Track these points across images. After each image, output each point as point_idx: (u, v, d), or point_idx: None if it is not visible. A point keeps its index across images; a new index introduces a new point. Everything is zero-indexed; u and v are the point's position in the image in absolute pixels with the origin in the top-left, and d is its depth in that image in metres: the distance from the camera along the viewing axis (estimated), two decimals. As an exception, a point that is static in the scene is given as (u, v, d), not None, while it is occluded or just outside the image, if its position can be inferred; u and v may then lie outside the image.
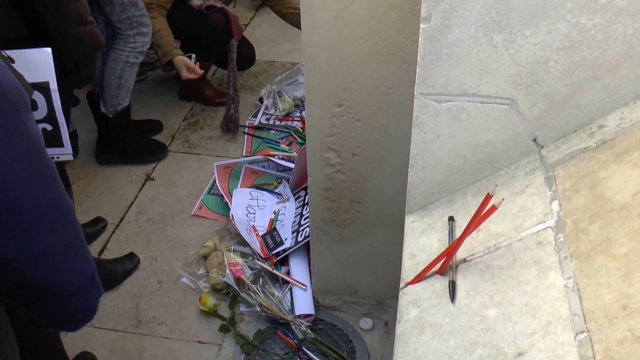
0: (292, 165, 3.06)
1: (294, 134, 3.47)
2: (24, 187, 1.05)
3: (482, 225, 1.06)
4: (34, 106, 1.91)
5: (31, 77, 1.78)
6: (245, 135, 3.55)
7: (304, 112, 3.50)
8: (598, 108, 1.10)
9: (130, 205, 3.09)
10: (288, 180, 3.05)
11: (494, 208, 0.99)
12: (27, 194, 1.06)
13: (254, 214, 2.91)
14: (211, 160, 3.35)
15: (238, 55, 3.62)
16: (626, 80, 1.06)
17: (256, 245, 2.73)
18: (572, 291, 0.90)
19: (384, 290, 2.45)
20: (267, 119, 3.63)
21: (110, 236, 2.92)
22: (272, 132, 3.55)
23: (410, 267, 1.20)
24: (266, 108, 3.71)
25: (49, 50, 1.89)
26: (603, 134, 1.07)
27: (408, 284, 1.17)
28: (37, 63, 1.87)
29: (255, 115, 3.68)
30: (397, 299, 1.19)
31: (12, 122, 1.02)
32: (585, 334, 0.84)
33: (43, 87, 1.89)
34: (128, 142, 3.36)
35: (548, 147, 1.15)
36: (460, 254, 1.12)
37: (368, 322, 2.48)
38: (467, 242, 1.09)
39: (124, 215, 3.03)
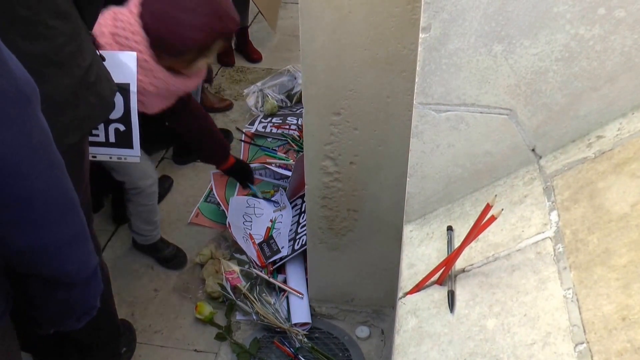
0: (289, 173, 3.06)
1: (291, 142, 3.46)
2: (39, 178, 1.07)
3: (480, 235, 1.06)
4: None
5: (113, 77, 1.84)
6: (242, 143, 3.55)
7: (300, 120, 3.51)
8: (596, 119, 1.10)
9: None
10: (285, 189, 3.05)
11: (493, 218, 0.99)
12: (41, 185, 1.08)
13: (251, 222, 2.91)
14: (208, 168, 3.34)
15: None
16: (624, 91, 1.06)
17: (253, 253, 2.72)
18: (572, 302, 0.90)
19: (381, 298, 2.45)
20: (264, 127, 3.63)
21: (107, 243, 2.92)
22: (269, 139, 3.55)
23: (408, 276, 1.20)
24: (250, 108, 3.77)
25: (134, 54, 1.97)
26: (601, 145, 1.07)
27: (407, 293, 1.17)
28: (122, 64, 1.96)
29: (252, 123, 3.68)
30: (393, 307, 1.19)
31: (27, 115, 1.03)
32: (584, 344, 0.84)
33: (123, 88, 1.95)
34: None
35: (547, 157, 1.16)
36: (459, 263, 1.12)
37: (365, 331, 2.48)
38: (465, 252, 1.09)
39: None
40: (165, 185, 3.21)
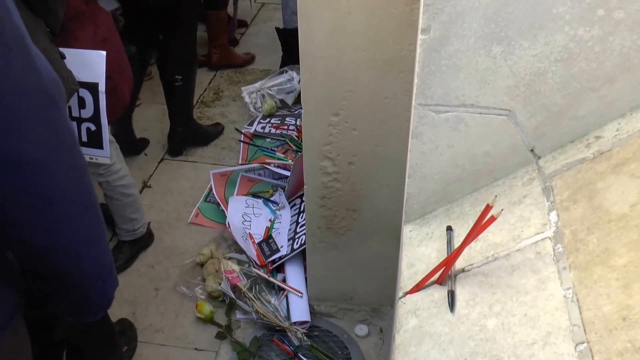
0: (287, 173, 3.06)
1: (290, 142, 3.47)
2: (64, 177, 1.08)
3: (480, 235, 1.07)
4: (83, 103, 2.00)
5: (82, 76, 1.85)
6: (241, 144, 3.56)
7: (299, 121, 3.51)
8: (595, 119, 1.11)
9: (126, 212, 3.08)
10: (284, 189, 3.05)
11: (492, 219, 1.00)
12: (65, 184, 1.09)
13: (250, 221, 2.91)
14: (207, 168, 3.35)
15: None
16: (623, 92, 1.07)
17: (252, 252, 2.73)
18: (572, 302, 0.91)
19: (380, 297, 2.46)
20: (263, 128, 3.64)
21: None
22: (268, 140, 3.56)
23: (408, 276, 1.21)
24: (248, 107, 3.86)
25: (103, 53, 1.97)
26: (600, 145, 1.08)
27: (407, 293, 1.17)
28: (91, 64, 1.95)
29: (251, 124, 3.69)
30: (392, 306, 1.19)
31: (54, 114, 1.04)
32: (585, 344, 0.84)
33: (92, 87, 1.96)
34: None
35: (545, 158, 1.16)
36: (459, 263, 1.12)
37: (363, 329, 2.49)
38: (465, 251, 1.10)
39: (120, 223, 3.03)
40: (217, 130, 3.57)
